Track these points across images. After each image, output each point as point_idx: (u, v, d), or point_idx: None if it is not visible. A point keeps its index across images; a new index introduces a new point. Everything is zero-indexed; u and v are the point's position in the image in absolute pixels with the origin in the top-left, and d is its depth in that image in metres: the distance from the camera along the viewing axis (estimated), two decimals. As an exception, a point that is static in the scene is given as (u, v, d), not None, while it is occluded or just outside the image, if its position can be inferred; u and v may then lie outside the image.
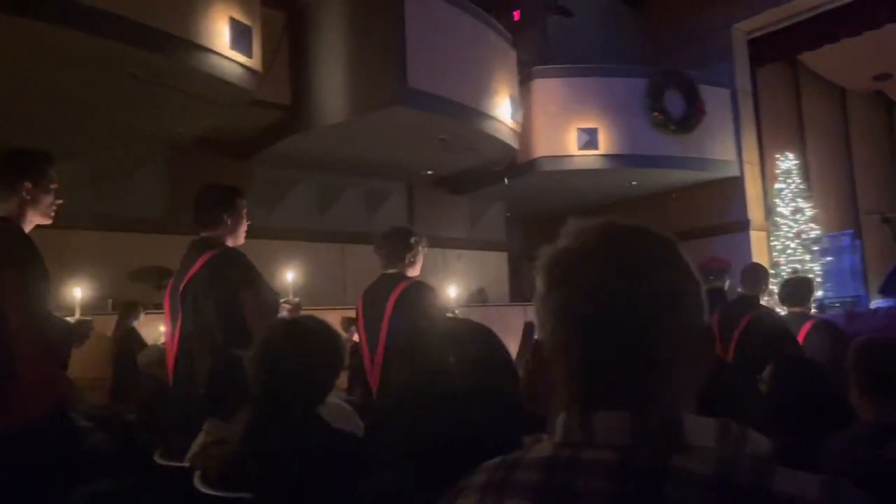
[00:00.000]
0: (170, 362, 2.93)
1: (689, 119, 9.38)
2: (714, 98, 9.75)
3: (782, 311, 5.03)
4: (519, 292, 10.75)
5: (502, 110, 7.91)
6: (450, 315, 3.65)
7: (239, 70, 5.84)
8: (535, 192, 10.19)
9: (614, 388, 0.73)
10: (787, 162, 10.01)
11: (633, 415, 0.71)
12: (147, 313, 6.38)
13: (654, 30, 11.01)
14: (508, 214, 11.22)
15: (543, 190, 10.09)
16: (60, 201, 2.65)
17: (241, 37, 5.80)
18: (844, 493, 0.63)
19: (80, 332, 2.61)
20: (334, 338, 1.83)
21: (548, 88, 9.23)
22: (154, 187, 7.86)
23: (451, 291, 4.03)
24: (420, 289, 3.45)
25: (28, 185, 2.53)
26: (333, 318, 6.03)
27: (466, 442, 0.98)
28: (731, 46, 10.33)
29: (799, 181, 9.98)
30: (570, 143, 9.08)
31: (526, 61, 9.09)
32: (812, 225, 9.75)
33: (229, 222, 3.00)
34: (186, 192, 7.22)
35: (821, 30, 9.91)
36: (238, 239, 3.04)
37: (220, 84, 5.76)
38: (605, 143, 9.12)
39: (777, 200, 9.95)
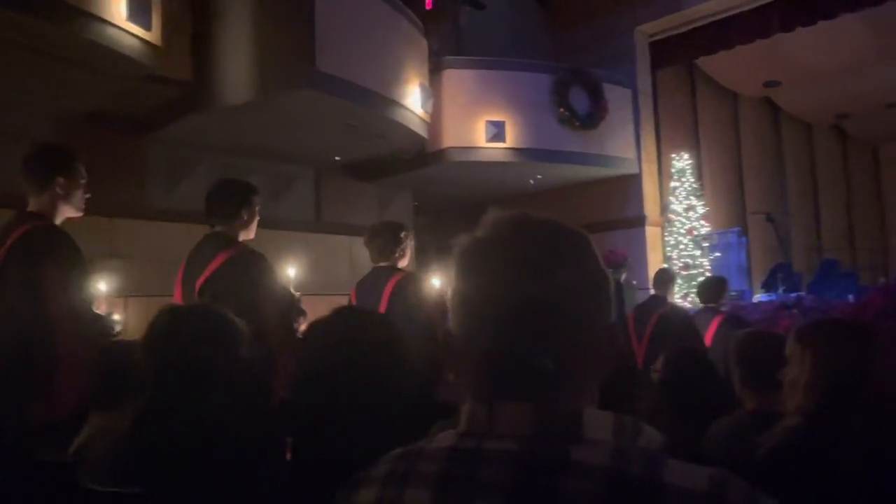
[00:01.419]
0: None
1: (593, 116, 9.66)
2: (616, 97, 10.07)
3: (689, 306, 5.51)
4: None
5: (412, 99, 7.89)
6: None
7: (136, 43, 5.54)
8: (443, 182, 10.24)
9: (518, 379, 0.73)
10: (682, 161, 10.46)
11: (535, 407, 0.72)
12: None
13: (561, 27, 11.25)
14: (416, 203, 11.23)
15: (451, 180, 10.15)
16: (89, 195, 2.74)
17: (139, 8, 5.50)
18: (730, 484, 0.65)
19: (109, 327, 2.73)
20: (226, 325, 1.76)
21: (458, 79, 9.27)
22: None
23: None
24: (412, 280, 3.69)
25: (61, 180, 2.63)
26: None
27: (366, 433, 0.97)
28: (633, 48, 10.69)
29: (692, 180, 10.45)
30: (479, 135, 9.17)
31: (437, 51, 9.10)
32: (703, 222, 10.25)
33: (245, 217, 3.05)
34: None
35: (716, 36, 10.40)
36: (250, 233, 3.09)
37: (114, 57, 5.45)
38: (513, 137, 9.26)
39: (671, 198, 10.41)
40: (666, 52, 10.91)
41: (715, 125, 12.64)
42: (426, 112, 8.29)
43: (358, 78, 6.99)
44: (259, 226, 9.51)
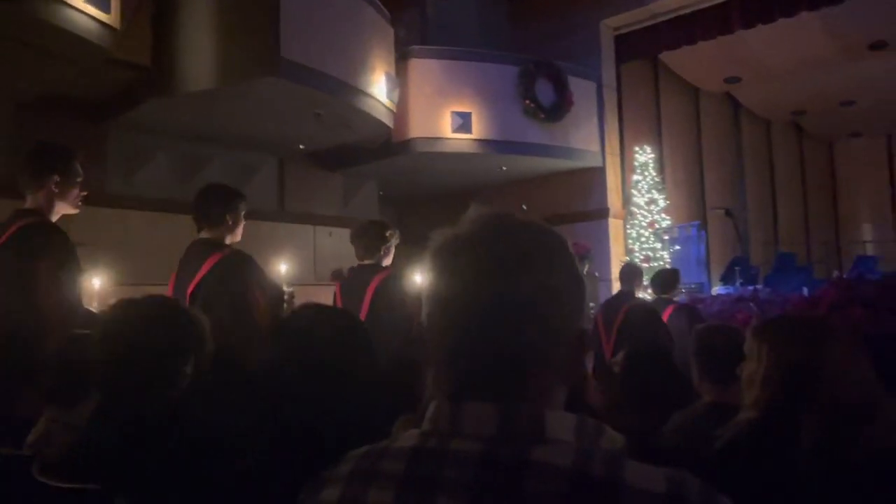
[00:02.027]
0: None
1: (558, 109, 9.72)
2: (581, 90, 10.14)
3: (647, 296, 5.65)
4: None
5: (378, 88, 7.84)
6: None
7: (94, 26, 5.40)
8: (409, 172, 10.21)
9: (482, 379, 0.74)
10: (645, 155, 10.59)
11: (500, 407, 0.72)
12: None
13: (528, 19, 11.27)
14: (381, 193, 11.18)
15: (417, 170, 10.13)
16: (86, 193, 2.80)
17: (98, -11, 5.37)
18: (687, 485, 0.67)
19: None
20: (183, 319, 1.73)
21: (424, 69, 9.24)
22: (-8, 147, 7.18)
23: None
24: (395, 278, 3.74)
25: (56, 178, 2.69)
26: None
27: (328, 429, 0.97)
28: (598, 41, 10.77)
29: (654, 174, 10.60)
30: (445, 126, 9.16)
31: (403, 40, 9.05)
32: (664, 215, 10.40)
33: (230, 222, 3.09)
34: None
35: (680, 31, 10.54)
36: (236, 237, 3.14)
37: (71, 40, 5.30)
38: (479, 128, 9.27)
39: (634, 191, 10.54)
40: (630, 46, 11.01)
41: (677, 120, 12.82)
42: (392, 102, 8.25)
43: (323, 66, 6.92)
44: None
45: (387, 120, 8.20)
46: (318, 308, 1.38)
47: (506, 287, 0.72)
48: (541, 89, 9.61)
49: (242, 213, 3.17)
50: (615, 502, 0.65)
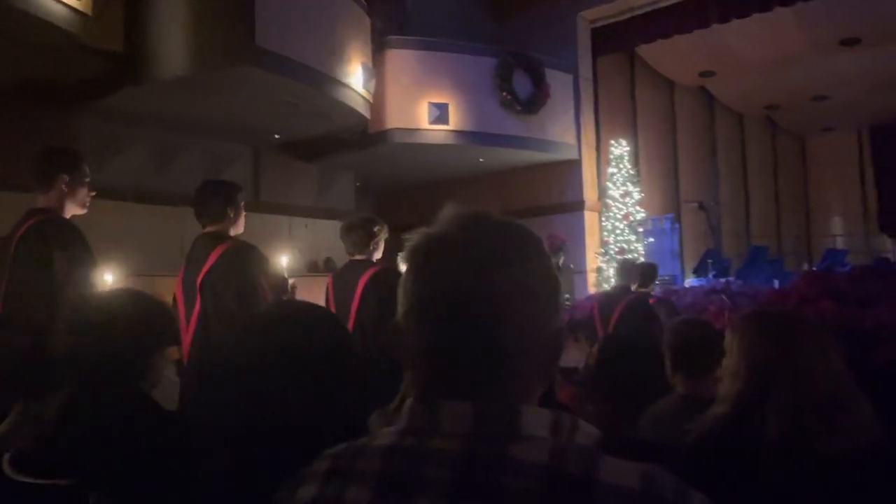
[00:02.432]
0: (186, 345, 3.12)
1: (535, 101, 9.74)
2: (558, 82, 10.17)
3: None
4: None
5: (355, 78, 7.79)
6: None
7: (64, 11, 5.29)
8: (386, 163, 10.17)
9: (459, 378, 0.74)
10: (620, 148, 10.66)
11: (476, 405, 0.72)
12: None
13: (505, 10, 11.27)
14: (358, 184, 11.13)
15: (394, 161, 10.10)
16: (94, 193, 2.96)
17: (68, -25, 5.26)
18: (660, 481, 0.68)
19: None
20: (152, 312, 1.71)
21: (401, 60, 9.20)
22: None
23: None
24: (386, 274, 3.76)
25: (66, 178, 2.85)
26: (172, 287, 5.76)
27: (297, 427, 0.96)
28: (575, 34, 10.79)
29: (629, 166, 10.67)
30: (422, 117, 9.14)
31: (380, 30, 8.99)
32: (639, 208, 10.49)
33: (232, 215, 3.23)
34: (2, 143, 6.50)
35: (656, 25, 10.60)
36: (239, 229, 3.28)
37: (41, 25, 5.19)
38: (455, 119, 9.26)
39: (609, 184, 10.60)
40: (607, 39, 11.06)
41: (652, 113, 12.91)
42: (369, 92, 8.21)
43: (299, 55, 6.86)
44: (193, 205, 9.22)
45: (363, 110, 8.16)
46: (295, 303, 1.37)
47: (483, 286, 0.73)
48: (518, 81, 9.62)
49: (242, 204, 3.29)
50: (590, 498, 0.66)
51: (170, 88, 6.83)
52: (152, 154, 8.54)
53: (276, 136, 9.09)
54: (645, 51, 12.02)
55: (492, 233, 0.77)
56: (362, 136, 8.99)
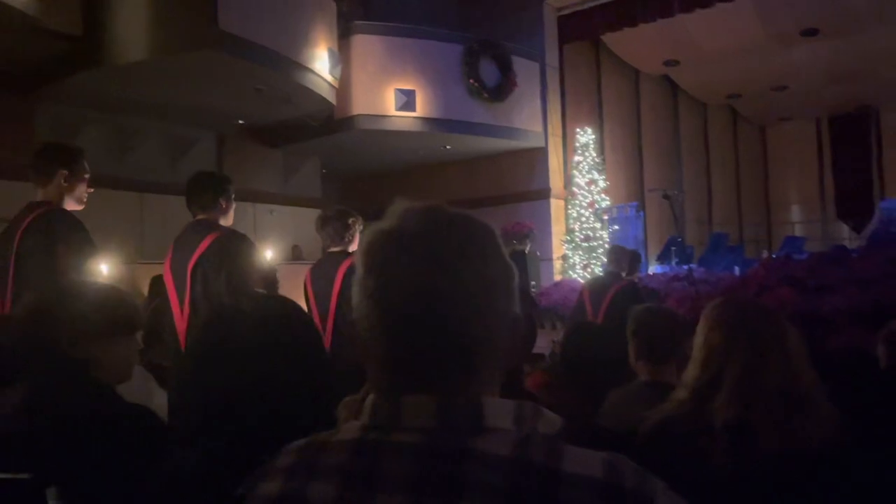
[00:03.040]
0: (181, 332, 3.16)
1: (502, 88, 9.74)
2: (524, 70, 10.19)
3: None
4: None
5: (320, 63, 7.71)
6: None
7: (20, -8, 5.15)
8: (352, 149, 10.11)
9: (423, 373, 0.74)
10: (586, 136, 10.73)
11: (439, 399, 0.73)
12: None
13: (473, -3, 11.24)
14: (324, 170, 11.04)
15: (360, 148, 10.04)
16: (92, 189, 3.03)
17: (22, -46, 5.11)
18: (622, 469, 0.69)
19: None
20: (91, 298, 1.67)
21: (367, 45, 9.12)
22: None
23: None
24: None
25: (64, 173, 2.91)
26: (142, 273, 5.75)
27: (263, 423, 0.96)
28: (542, 21, 10.81)
29: (594, 154, 10.75)
30: (388, 103, 9.09)
31: (346, 15, 8.90)
32: (604, 195, 10.59)
33: (224, 205, 3.30)
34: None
35: (621, 13, 10.68)
36: (229, 220, 3.36)
37: (-5, 5, 5.05)
38: (423, 106, 9.23)
39: (575, 171, 10.68)
40: (573, 27, 11.10)
41: (617, 101, 13.01)
42: (335, 78, 8.13)
43: (263, 39, 6.76)
44: (155, 191, 9.04)
45: (329, 96, 8.08)
46: (263, 296, 1.36)
47: (445, 282, 0.73)
48: (485, 69, 9.62)
49: (233, 195, 3.37)
50: (554, 489, 0.66)
51: (130, 72, 6.69)
52: (111, 139, 8.36)
53: (240, 122, 8.97)
54: (610, 39, 12.09)
55: (449, 227, 0.77)
56: (328, 122, 8.91)
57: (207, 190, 3.28)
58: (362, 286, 0.77)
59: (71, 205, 2.97)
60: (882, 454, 1.55)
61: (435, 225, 0.76)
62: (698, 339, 1.65)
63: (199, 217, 3.26)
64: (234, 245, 3.11)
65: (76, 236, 2.80)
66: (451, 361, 0.74)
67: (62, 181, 2.93)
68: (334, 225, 3.92)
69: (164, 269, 3.25)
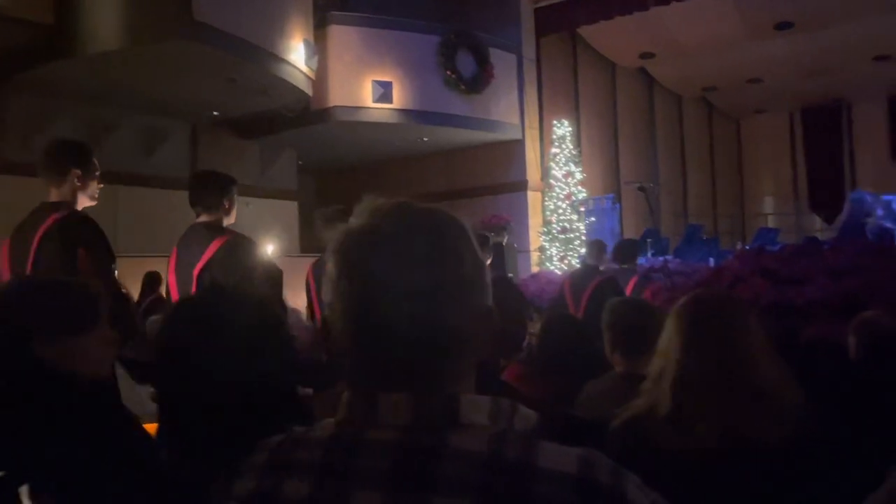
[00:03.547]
0: None
1: (479, 80, 9.73)
2: (502, 62, 10.18)
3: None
4: (310, 243, 10.62)
5: (296, 55, 7.64)
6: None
7: (-13, -21, 5.04)
8: (329, 141, 10.04)
9: (398, 370, 0.74)
10: (562, 128, 10.76)
11: (415, 396, 0.73)
12: None
13: (450, -12, 11.19)
14: (301, 163, 10.97)
15: (337, 140, 9.98)
16: (102, 185, 3.05)
17: (-11, -60, 5.00)
18: (596, 465, 0.70)
19: None
20: (75, 296, 1.66)
21: (344, 36, 9.06)
22: None
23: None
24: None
25: (77, 172, 2.90)
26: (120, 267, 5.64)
27: (233, 416, 0.95)
28: (519, 13, 10.81)
29: (571, 147, 10.79)
30: (365, 95, 9.04)
31: (322, 5, 8.83)
32: (580, 188, 10.64)
33: (227, 206, 3.31)
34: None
35: (598, 6, 10.70)
36: (231, 219, 3.37)
37: (-39, -7, 4.94)
38: (400, 98, 9.19)
39: (552, 164, 10.71)
40: (550, 20, 11.11)
41: (594, 94, 13.06)
42: (311, 69, 8.07)
43: (238, 29, 6.68)
44: (129, 183, 8.91)
45: (305, 87, 8.02)
46: (226, 290, 1.35)
47: (421, 279, 0.73)
48: (462, 60, 9.60)
49: (236, 196, 3.40)
50: (528, 484, 0.67)
51: (102, 62, 6.59)
52: (83, 130, 8.22)
53: (215, 113, 8.87)
54: (587, 32, 12.12)
55: (421, 223, 0.77)
56: (304, 114, 8.84)
57: (212, 191, 3.28)
58: (335, 285, 0.76)
59: (84, 202, 2.98)
60: (847, 453, 1.57)
61: (406, 222, 0.76)
62: (662, 334, 1.68)
63: (203, 218, 3.28)
64: (242, 250, 3.20)
65: (97, 241, 2.84)
66: (427, 358, 0.74)
67: (75, 180, 2.91)
68: (337, 226, 4.00)
69: (168, 271, 3.29)
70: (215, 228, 3.24)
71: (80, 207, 2.95)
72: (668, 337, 1.63)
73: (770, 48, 12.52)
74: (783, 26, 11.72)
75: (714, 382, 1.51)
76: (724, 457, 1.45)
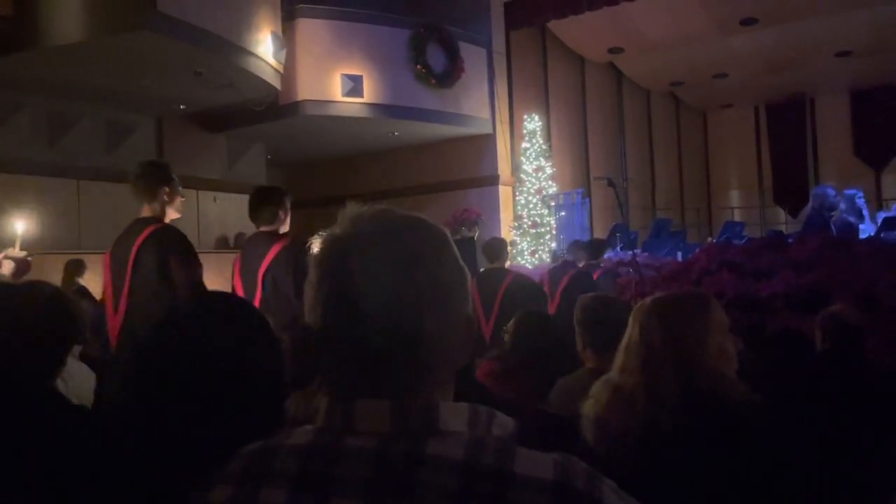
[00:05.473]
0: None
1: (450, 74, 9.71)
2: (472, 56, 10.17)
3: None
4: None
5: (264, 48, 7.55)
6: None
7: (-59, -32, 4.89)
8: (298, 135, 9.95)
9: (378, 377, 0.74)
10: (533, 123, 10.79)
11: (393, 403, 0.73)
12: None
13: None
14: (269, 156, 10.85)
15: (306, 134, 9.89)
16: (184, 198, 3.46)
17: (-57, -73, 4.85)
18: (573, 470, 0.70)
19: None
20: (63, 304, 1.62)
21: (312, 29, 8.97)
22: None
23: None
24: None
25: (166, 189, 3.32)
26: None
27: (216, 425, 0.94)
28: (489, 8, 10.80)
29: (542, 141, 10.83)
30: (335, 89, 8.97)
31: (290, -2, 8.74)
32: (550, 182, 10.68)
33: (282, 217, 3.69)
34: None
35: (567, 1, 10.74)
36: (286, 227, 3.73)
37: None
38: (370, 92, 9.14)
39: (522, 158, 10.74)
40: (519, 14, 11.13)
41: (564, 88, 13.12)
42: (279, 62, 7.98)
43: (204, 22, 6.57)
44: (92, 177, 8.72)
45: (273, 81, 7.93)
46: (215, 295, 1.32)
47: (403, 286, 0.73)
48: (432, 54, 9.57)
49: (288, 204, 3.75)
50: (505, 490, 0.67)
51: (63, 55, 6.44)
52: (44, 124, 8.04)
53: (182, 107, 8.73)
54: (556, 26, 12.17)
55: (405, 232, 0.77)
56: (273, 108, 8.73)
57: (265, 208, 3.67)
58: (316, 291, 0.76)
59: (172, 215, 3.37)
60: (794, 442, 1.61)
61: (388, 230, 0.77)
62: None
63: (263, 229, 3.68)
64: (297, 254, 3.52)
65: (187, 253, 3.22)
66: (406, 365, 0.74)
67: (164, 197, 3.31)
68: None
69: (234, 275, 3.72)
70: (274, 235, 3.65)
71: (168, 220, 3.34)
72: (629, 335, 1.67)
73: (735, 44, 12.69)
74: (748, 22, 11.88)
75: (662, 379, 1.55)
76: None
